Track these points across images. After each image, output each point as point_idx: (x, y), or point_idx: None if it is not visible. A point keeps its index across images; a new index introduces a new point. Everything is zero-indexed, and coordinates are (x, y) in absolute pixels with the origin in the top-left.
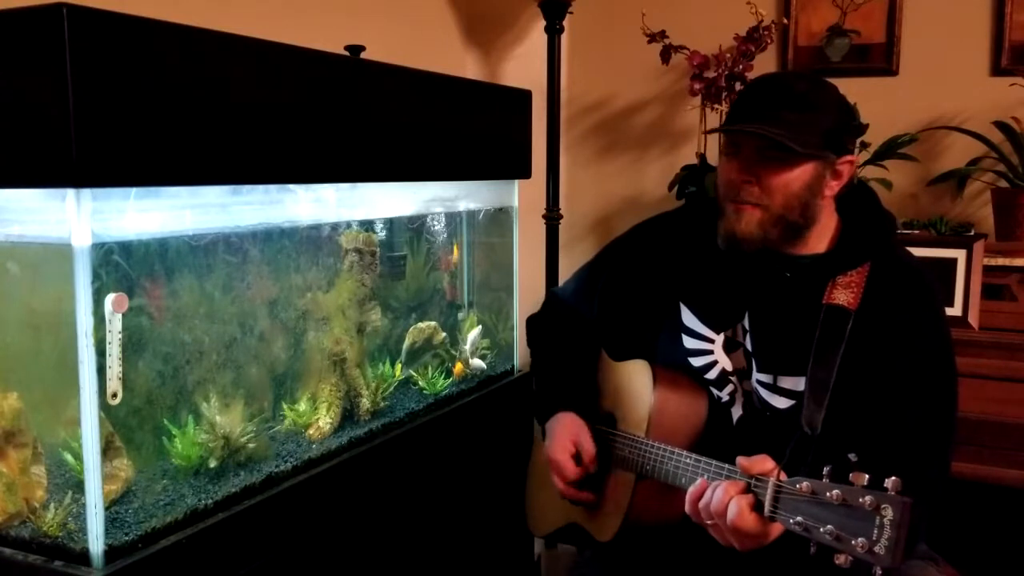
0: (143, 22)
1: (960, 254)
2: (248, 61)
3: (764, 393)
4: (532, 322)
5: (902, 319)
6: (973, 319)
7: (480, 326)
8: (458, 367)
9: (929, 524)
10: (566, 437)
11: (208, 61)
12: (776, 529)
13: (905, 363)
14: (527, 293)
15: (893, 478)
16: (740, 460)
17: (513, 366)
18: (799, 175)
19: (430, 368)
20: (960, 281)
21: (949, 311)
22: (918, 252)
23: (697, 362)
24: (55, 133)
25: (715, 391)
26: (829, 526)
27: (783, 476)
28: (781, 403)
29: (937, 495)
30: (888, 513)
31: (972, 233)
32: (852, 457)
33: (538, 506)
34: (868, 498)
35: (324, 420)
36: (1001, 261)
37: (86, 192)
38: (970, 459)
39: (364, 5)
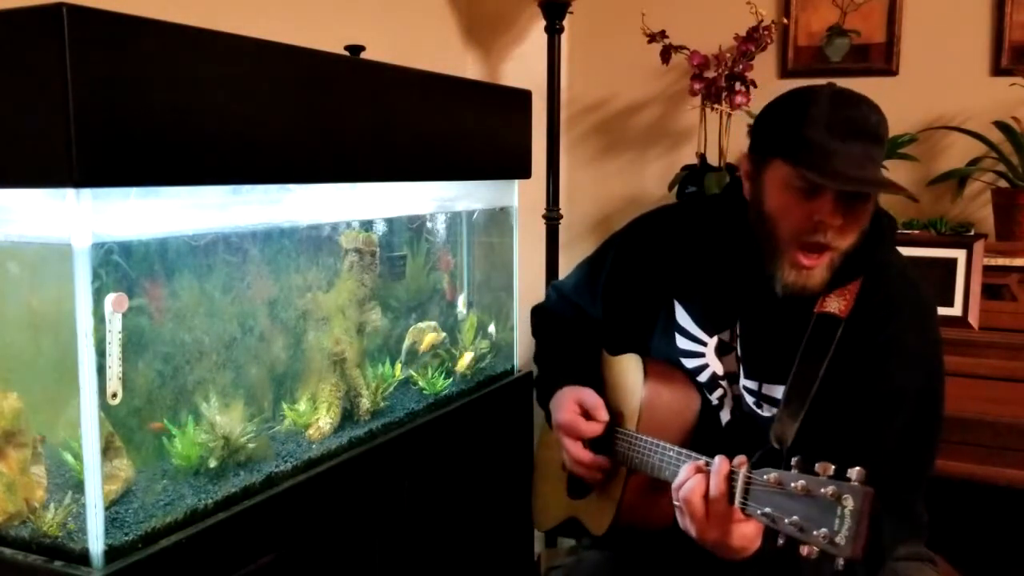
0: (143, 22)
1: (960, 254)
2: (248, 61)
3: (749, 399)
4: (536, 312)
5: (892, 331)
6: (973, 319)
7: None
8: (465, 358)
9: (924, 522)
10: (570, 400)
11: (208, 61)
12: (748, 527)
13: (890, 379)
14: (527, 293)
15: (857, 468)
16: (719, 458)
17: (513, 366)
18: (871, 207)
19: (430, 368)
20: (960, 281)
21: (949, 311)
22: (918, 252)
23: (689, 364)
24: (55, 133)
25: (706, 393)
26: (794, 517)
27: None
28: (766, 411)
29: (909, 514)
30: (849, 503)
31: (972, 233)
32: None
33: (541, 500)
34: (830, 488)
35: (324, 420)
36: (1001, 261)
37: (86, 192)
38: (970, 459)
39: (364, 5)
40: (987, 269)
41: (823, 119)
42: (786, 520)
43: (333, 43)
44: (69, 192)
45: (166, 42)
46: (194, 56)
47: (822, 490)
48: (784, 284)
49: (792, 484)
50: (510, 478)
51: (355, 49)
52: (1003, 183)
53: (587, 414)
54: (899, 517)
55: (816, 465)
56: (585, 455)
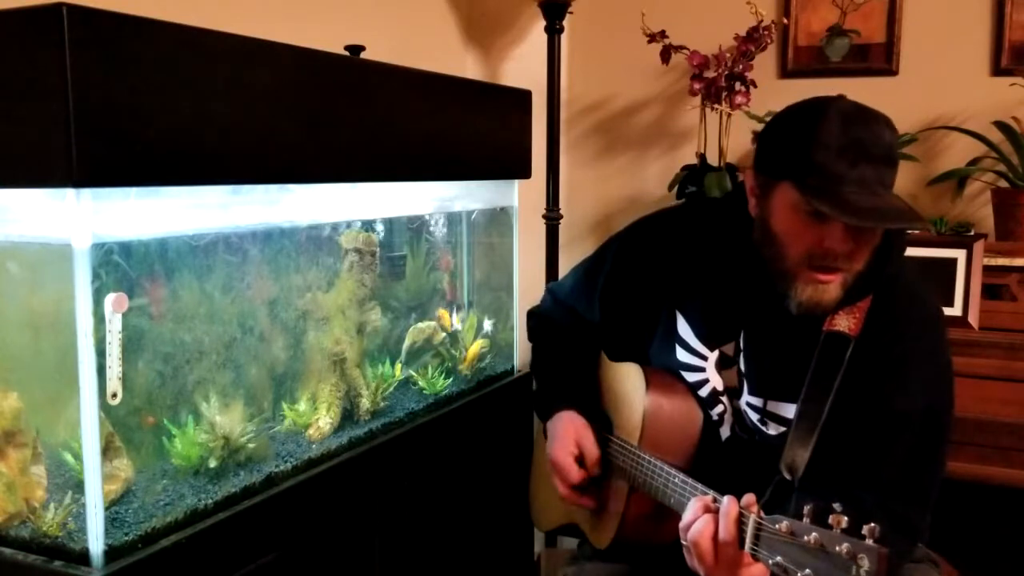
0: (143, 22)
1: (960, 254)
2: (248, 61)
3: (753, 416)
4: (532, 316)
5: (902, 351)
6: (973, 319)
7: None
8: (476, 347)
9: (926, 525)
10: (569, 438)
11: (208, 61)
12: (759, 568)
13: (901, 400)
14: (527, 293)
15: (871, 524)
16: (728, 499)
17: (513, 366)
18: (882, 231)
19: (430, 368)
20: (960, 281)
21: (949, 311)
22: (918, 252)
23: (690, 378)
24: (55, 133)
25: (706, 409)
26: (808, 570)
27: (762, 513)
28: (771, 429)
29: (916, 534)
30: (865, 564)
31: (972, 233)
32: (836, 507)
33: (540, 502)
34: (845, 546)
35: (324, 420)
36: (1001, 261)
37: (86, 192)
38: (970, 459)
39: (364, 5)
40: (987, 269)
41: (833, 141)
42: (799, 574)
43: (333, 43)
44: (69, 192)
45: (166, 42)
46: (194, 56)
47: (837, 548)
48: (799, 302)
49: (805, 537)
50: (510, 478)
51: (355, 49)
52: (1003, 183)
53: (581, 460)
54: (908, 537)
55: (829, 517)
56: (573, 496)
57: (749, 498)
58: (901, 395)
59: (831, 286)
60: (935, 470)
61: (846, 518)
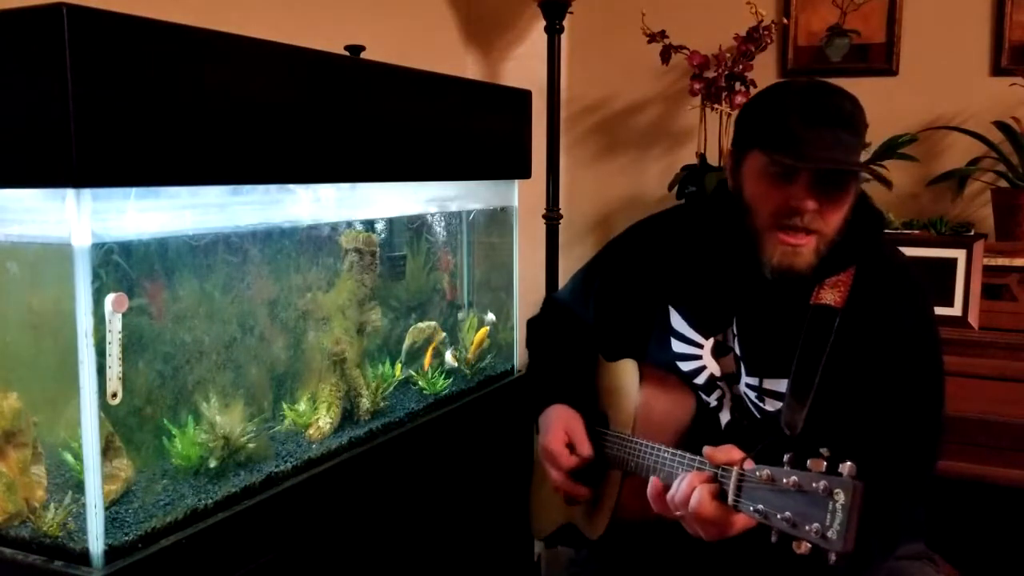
0: (143, 22)
1: (960, 254)
2: (248, 61)
3: (752, 396)
4: (531, 325)
5: (889, 316)
6: (973, 319)
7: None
8: (481, 332)
9: (923, 521)
10: (559, 427)
11: (208, 61)
12: (741, 520)
13: (891, 359)
14: (527, 293)
15: (848, 463)
16: (706, 449)
17: (513, 366)
18: (851, 195)
19: (430, 368)
20: (960, 281)
21: (949, 311)
22: (918, 252)
23: (686, 367)
24: (55, 133)
25: (703, 396)
26: (787, 512)
27: (749, 465)
28: (769, 406)
29: (922, 488)
30: (840, 498)
31: (972, 233)
32: (824, 452)
33: (539, 506)
34: (822, 483)
35: (324, 420)
36: (1001, 261)
37: (86, 192)
38: (970, 459)
39: (364, 5)
40: (987, 269)
41: (796, 109)
42: (778, 516)
43: (333, 43)
44: (69, 192)
45: (166, 42)
46: (194, 56)
47: (814, 484)
48: (772, 267)
49: (784, 480)
50: (510, 478)
51: (355, 49)
52: (1003, 183)
53: (572, 445)
54: (913, 487)
55: (808, 461)
56: (566, 483)
57: (738, 455)
58: (891, 362)
59: (802, 249)
60: (934, 426)
61: (825, 461)
